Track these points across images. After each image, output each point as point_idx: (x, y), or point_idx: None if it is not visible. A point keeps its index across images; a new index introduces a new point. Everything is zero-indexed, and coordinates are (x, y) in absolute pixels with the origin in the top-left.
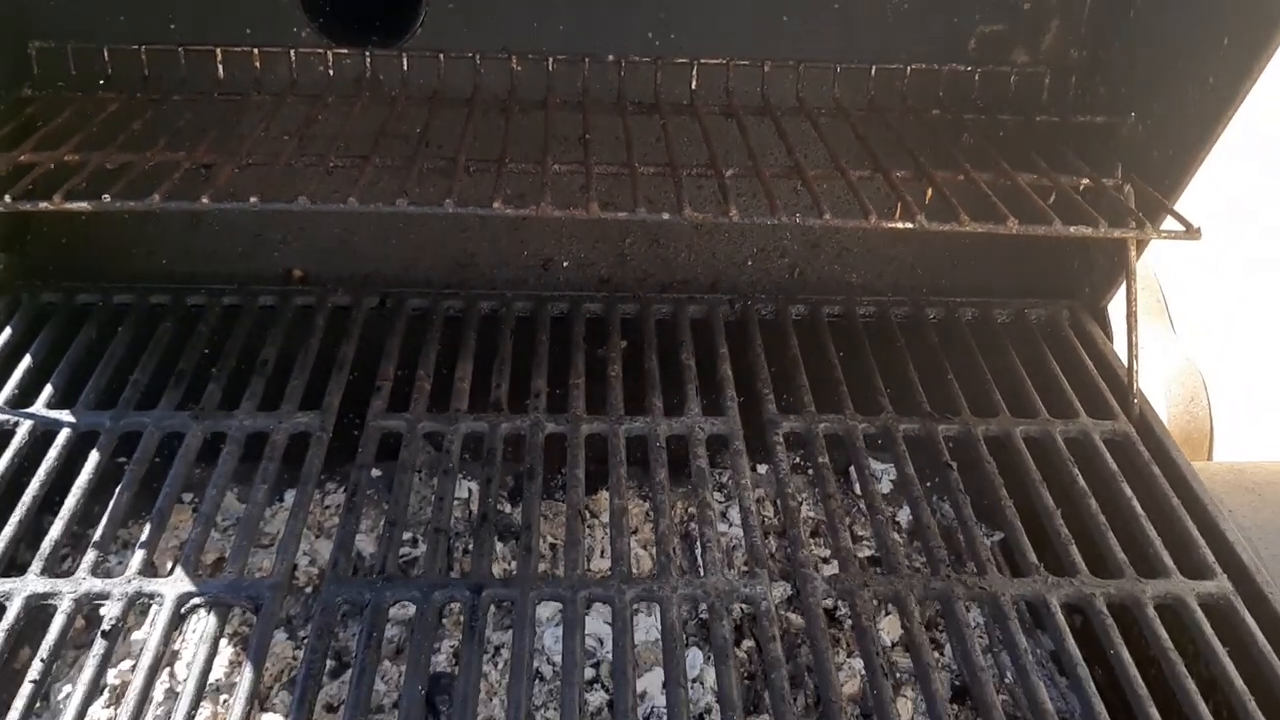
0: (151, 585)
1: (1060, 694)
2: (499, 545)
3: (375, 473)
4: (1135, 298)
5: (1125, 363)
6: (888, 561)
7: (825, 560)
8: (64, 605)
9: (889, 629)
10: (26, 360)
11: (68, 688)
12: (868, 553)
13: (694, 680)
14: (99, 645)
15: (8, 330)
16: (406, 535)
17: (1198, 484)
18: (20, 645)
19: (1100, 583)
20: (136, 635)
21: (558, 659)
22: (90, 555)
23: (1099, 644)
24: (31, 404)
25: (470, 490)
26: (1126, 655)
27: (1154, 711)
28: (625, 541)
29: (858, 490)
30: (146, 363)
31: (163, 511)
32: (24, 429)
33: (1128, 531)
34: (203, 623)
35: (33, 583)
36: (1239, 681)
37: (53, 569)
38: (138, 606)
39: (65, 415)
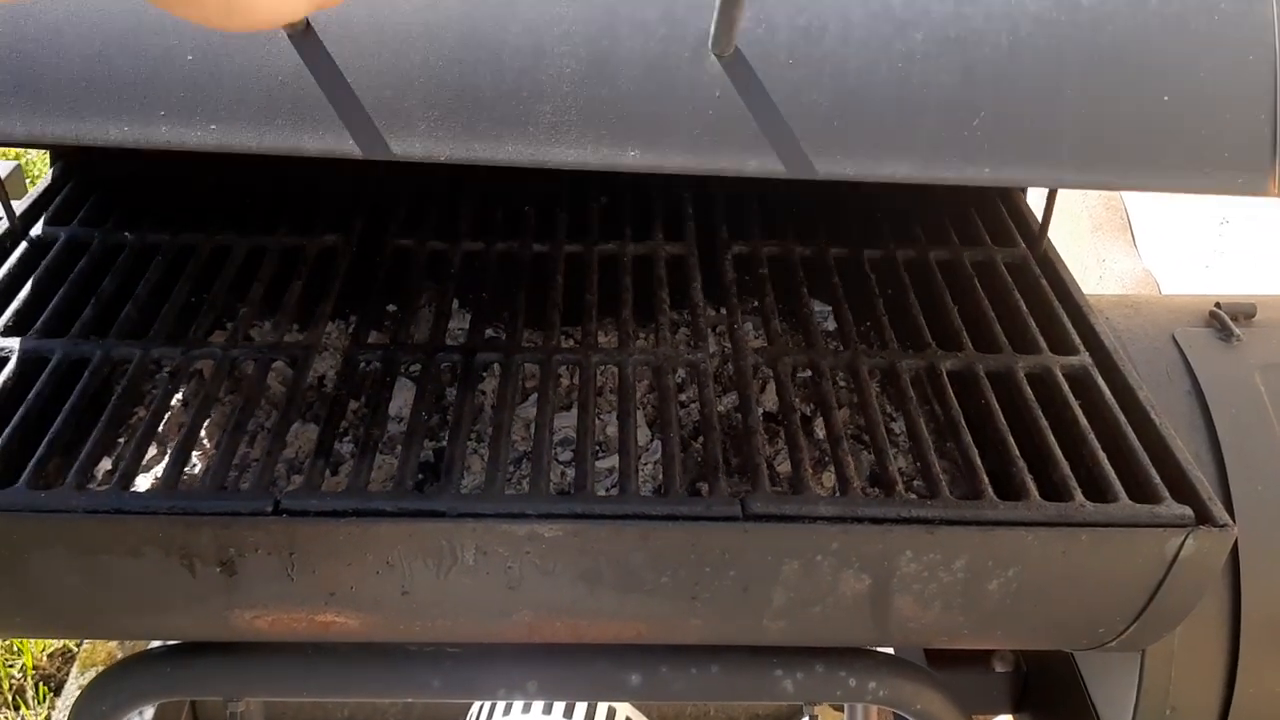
0: (206, 348)
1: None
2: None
3: (391, 307)
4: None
5: (1040, 219)
6: (809, 341)
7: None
8: (136, 358)
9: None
10: (92, 198)
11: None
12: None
13: (654, 461)
14: (164, 378)
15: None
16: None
17: (1079, 293)
18: (102, 387)
19: (982, 356)
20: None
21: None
22: (158, 327)
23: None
24: (103, 225)
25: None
26: (995, 401)
27: (1010, 439)
28: (593, 326)
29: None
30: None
31: (214, 298)
32: (95, 244)
33: (1013, 322)
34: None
35: (112, 346)
36: (1083, 420)
37: (126, 335)
38: (193, 359)
39: (129, 235)
